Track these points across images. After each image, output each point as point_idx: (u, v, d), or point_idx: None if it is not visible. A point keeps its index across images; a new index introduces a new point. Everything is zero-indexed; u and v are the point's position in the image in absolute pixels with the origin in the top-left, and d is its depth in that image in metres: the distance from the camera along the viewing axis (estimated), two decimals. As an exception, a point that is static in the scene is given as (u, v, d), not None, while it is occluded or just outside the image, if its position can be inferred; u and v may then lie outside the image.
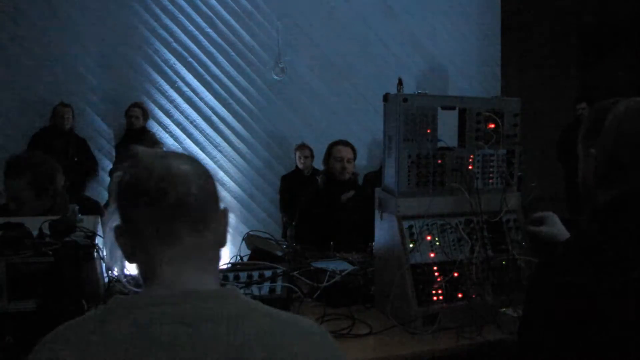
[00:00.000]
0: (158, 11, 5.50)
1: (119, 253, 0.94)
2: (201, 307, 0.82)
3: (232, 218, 0.97)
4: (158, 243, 0.87)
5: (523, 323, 1.17)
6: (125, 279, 1.05)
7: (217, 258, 0.95)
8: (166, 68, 5.54)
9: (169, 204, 0.85)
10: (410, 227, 1.80)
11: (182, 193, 0.86)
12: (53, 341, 0.83)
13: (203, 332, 0.79)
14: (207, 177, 0.93)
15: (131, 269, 0.96)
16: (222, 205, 0.95)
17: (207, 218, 0.90)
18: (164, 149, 5.23)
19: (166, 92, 5.56)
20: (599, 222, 1.15)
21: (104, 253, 1.79)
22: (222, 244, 0.95)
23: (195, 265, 0.88)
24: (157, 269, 0.87)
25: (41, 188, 2.31)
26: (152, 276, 0.87)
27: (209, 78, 5.64)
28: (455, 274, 1.77)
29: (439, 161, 1.85)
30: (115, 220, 0.91)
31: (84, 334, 0.81)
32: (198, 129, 5.64)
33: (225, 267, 2.05)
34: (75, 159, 5.00)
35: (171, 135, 5.58)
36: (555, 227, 1.75)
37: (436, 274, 1.77)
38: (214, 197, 0.93)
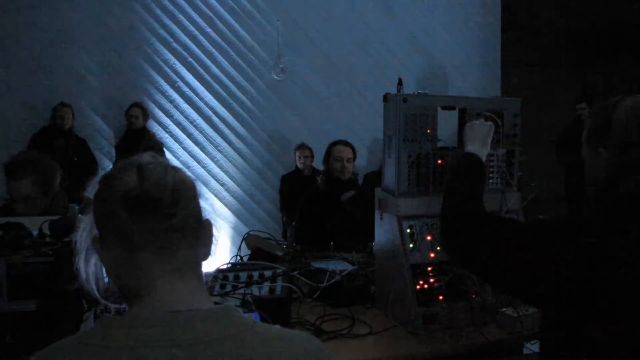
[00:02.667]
0: (158, 11, 5.50)
1: (93, 269, 0.90)
2: (197, 329, 0.79)
3: (218, 229, 0.93)
4: (155, 258, 0.84)
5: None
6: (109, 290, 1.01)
7: (202, 273, 0.92)
8: (166, 68, 5.54)
9: (178, 219, 0.84)
10: (410, 227, 1.80)
11: (189, 208, 0.85)
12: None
13: (200, 355, 0.77)
14: (196, 186, 0.91)
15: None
16: (204, 216, 0.92)
17: (199, 230, 0.89)
18: (164, 149, 5.24)
19: (166, 92, 5.56)
20: (608, 216, 1.14)
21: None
22: (208, 256, 0.92)
23: (188, 281, 0.86)
24: (150, 284, 0.84)
25: (47, 185, 2.34)
26: (144, 292, 0.83)
27: (209, 78, 5.64)
28: (455, 274, 1.77)
29: (439, 161, 1.85)
30: (92, 233, 0.87)
31: (72, 358, 0.78)
32: (198, 129, 5.64)
33: (225, 267, 2.05)
34: (75, 159, 4.99)
35: (171, 135, 5.58)
36: None
37: (436, 274, 1.77)
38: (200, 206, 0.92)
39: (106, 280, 0.91)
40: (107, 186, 0.85)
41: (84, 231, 0.90)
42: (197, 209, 0.89)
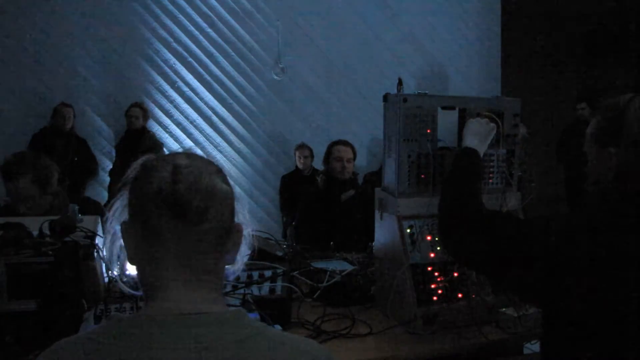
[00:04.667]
0: (158, 11, 5.50)
1: (117, 250, 0.90)
2: (207, 332, 0.78)
3: (247, 233, 0.91)
4: (174, 259, 0.83)
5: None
6: (124, 279, 1.02)
7: (224, 276, 0.91)
8: (166, 68, 5.54)
9: (206, 227, 0.82)
10: (410, 227, 1.80)
11: (219, 216, 0.84)
12: (49, 358, 0.80)
13: (208, 358, 0.76)
14: (233, 194, 0.89)
15: (132, 269, 0.92)
16: (236, 220, 0.90)
17: (228, 238, 0.87)
18: (164, 149, 5.24)
19: (166, 92, 5.56)
20: (614, 215, 1.14)
21: (104, 251, 1.79)
22: (232, 262, 0.91)
23: (204, 285, 0.85)
24: (165, 283, 0.83)
25: (45, 183, 2.34)
26: (158, 290, 0.83)
27: (209, 78, 5.64)
28: (455, 274, 1.77)
29: (439, 161, 1.85)
30: (124, 216, 0.87)
31: (81, 355, 0.78)
32: (198, 129, 5.64)
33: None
34: (75, 159, 5.00)
35: (171, 135, 5.58)
36: None
37: (436, 274, 1.77)
38: (234, 213, 0.89)
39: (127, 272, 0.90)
40: (143, 176, 0.84)
41: (117, 211, 0.89)
42: (229, 217, 0.87)
